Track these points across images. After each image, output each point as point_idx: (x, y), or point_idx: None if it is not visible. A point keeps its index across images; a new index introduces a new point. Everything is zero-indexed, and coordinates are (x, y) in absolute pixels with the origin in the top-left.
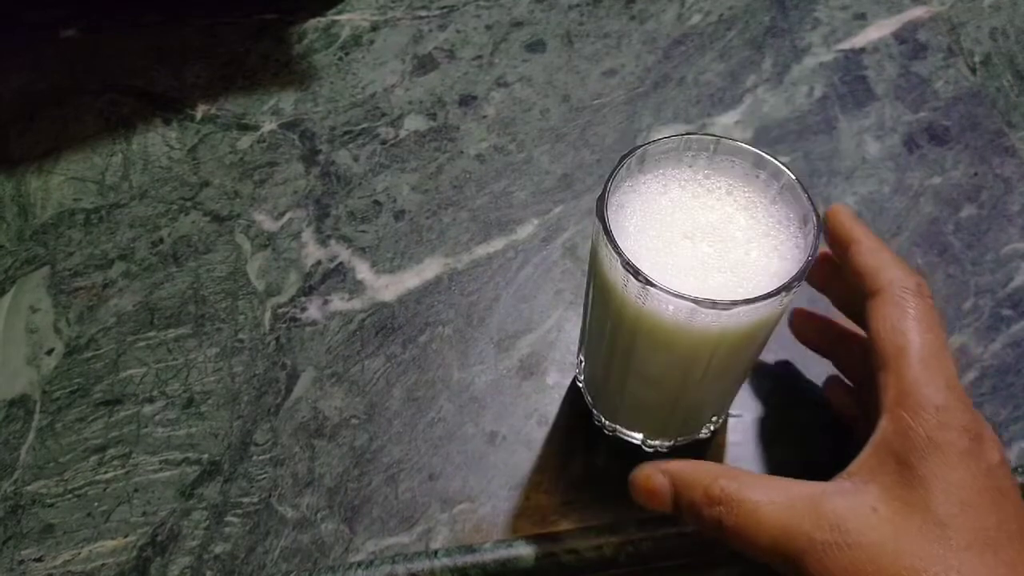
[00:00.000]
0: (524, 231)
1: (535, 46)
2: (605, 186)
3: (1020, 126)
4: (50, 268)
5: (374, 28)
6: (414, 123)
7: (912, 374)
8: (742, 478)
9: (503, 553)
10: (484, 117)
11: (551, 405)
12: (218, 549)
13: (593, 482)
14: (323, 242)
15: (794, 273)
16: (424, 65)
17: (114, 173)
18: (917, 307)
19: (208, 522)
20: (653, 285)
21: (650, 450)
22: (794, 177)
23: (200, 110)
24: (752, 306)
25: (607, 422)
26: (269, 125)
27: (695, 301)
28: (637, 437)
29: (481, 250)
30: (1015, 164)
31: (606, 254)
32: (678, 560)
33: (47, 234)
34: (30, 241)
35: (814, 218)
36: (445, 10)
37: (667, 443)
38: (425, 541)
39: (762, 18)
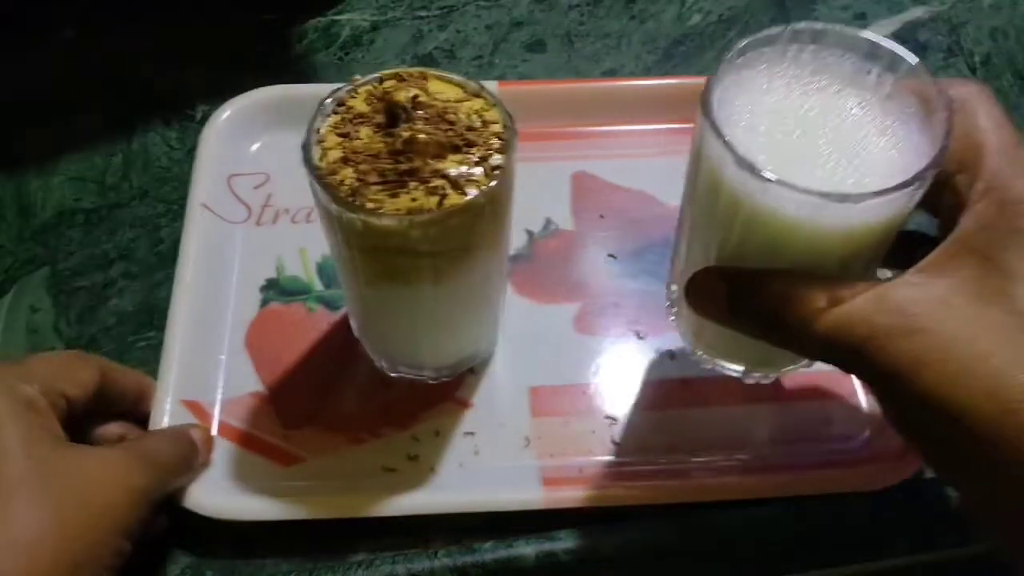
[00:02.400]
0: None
1: (535, 46)
2: (708, 82)
3: (1020, 126)
4: (50, 268)
5: (374, 28)
6: None
7: (993, 168)
8: (799, 275)
9: (503, 553)
10: None
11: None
12: (218, 549)
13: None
14: None
15: (927, 163)
16: (424, 65)
17: (114, 173)
18: (984, 108)
19: (209, 520)
20: (772, 180)
21: (751, 382)
22: (916, 60)
23: (200, 110)
24: (884, 199)
25: (705, 356)
26: None
27: (822, 195)
28: (738, 369)
29: None
30: None
31: (713, 152)
32: (678, 560)
33: (47, 234)
34: (30, 241)
35: (943, 102)
36: (445, 10)
37: (773, 373)
38: (425, 541)
39: (762, 18)
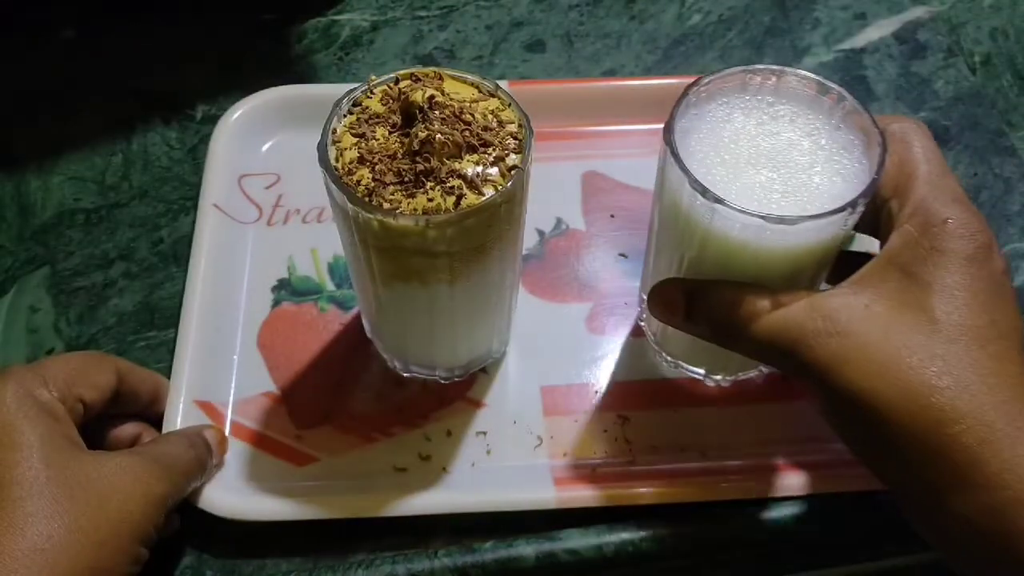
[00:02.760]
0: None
1: (535, 46)
2: (672, 113)
3: (1020, 126)
4: (50, 268)
5: (374, 28)
6: None
7: (919, 194)
8: (747, 285)
9: (503, 553)
10: None
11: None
12: (219, 548)
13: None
14: None
15: (860, 191)
16: (424, 65)
17: (114, 173)
18: (920, 141)
19: (210, 520)
20: (720, 202)
21: (712, 384)
22: (857, 102)
23: (200, 110)
24: (818, 222)
25: (670, 358)
26: None
27: (762, 217)
28: (700, 372)
29: None
30: (1015, 164)
31: (674, 176)
32: (678, 560)
33: (47, 234)
34: (30, 241)
35: (879, 138)
36: (445, 10)
37: (729, 377)
38: (425, 541)
39: (762, 18)
